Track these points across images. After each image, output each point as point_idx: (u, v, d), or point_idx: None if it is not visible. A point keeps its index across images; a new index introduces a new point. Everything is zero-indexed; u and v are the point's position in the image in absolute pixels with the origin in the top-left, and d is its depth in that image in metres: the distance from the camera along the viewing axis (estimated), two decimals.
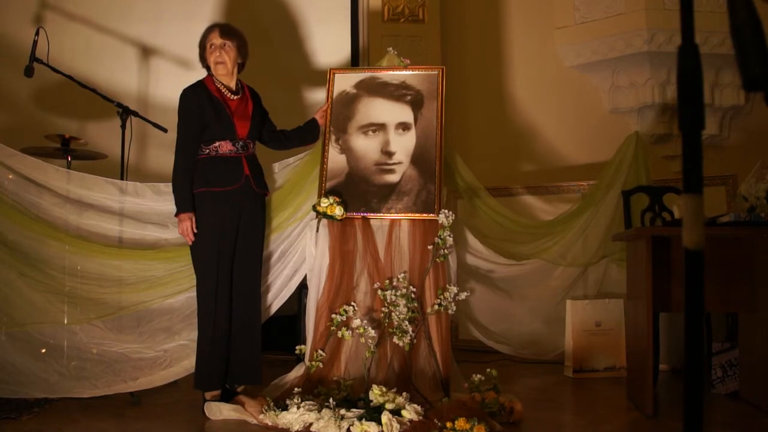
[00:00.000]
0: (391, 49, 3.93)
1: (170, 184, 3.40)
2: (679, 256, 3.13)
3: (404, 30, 5.37)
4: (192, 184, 3.30)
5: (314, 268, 3.52)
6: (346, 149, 3.70)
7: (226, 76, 3.43)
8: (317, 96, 4.97)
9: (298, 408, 2.96)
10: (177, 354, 3.52)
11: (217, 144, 3.34)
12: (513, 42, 4.14)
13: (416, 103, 3.72)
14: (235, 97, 3.43)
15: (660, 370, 3.92)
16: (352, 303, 3.40)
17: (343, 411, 2.89)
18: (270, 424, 2.99)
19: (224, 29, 3.45)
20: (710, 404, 3.48)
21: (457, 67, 4.19)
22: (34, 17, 4.82)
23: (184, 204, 3.28)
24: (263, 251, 3.54)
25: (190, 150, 3.32)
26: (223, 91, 3.41)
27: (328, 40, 5.26)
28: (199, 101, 3.34)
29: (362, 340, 3.31)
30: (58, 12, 4.89)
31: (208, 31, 3.46)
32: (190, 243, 3.29)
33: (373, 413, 2.85)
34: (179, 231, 3.31)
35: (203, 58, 3.47)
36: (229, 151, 3.36)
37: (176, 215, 3.30)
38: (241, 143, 3.38)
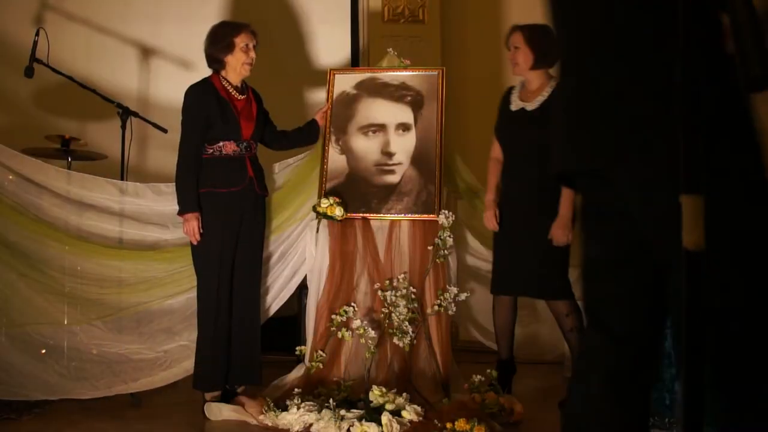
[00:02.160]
0: (391, 49, 3.93)
1: (171, 184, 3.39)
2: None
3: (404, 30, 5.36)
4: (197, 183, 3.29)
5: (314, 269, 3.52)
6: (346, 150, 3.70)
7: (241, 77, 3.42)
8: (317, 96, 4.97)
9: (298, 409, 2.96)
10: (177, 355, 3.52)
11: (221, 144, 3.33)
12: None
13: (416, 104, 3.72)
14: (242, 98, 3.43)
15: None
16: (352, 304, 3.40)
17: (343, 412, 2.89)
18: (270, 424, 2.99)
19: (254, 31, 3.43)
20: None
21: (457, 67, 4.19)
22: (34, 18, 4.82)
23: (189, 203, 3.26)
24: (263, 252, 3.54)
25: (195, 149, 3.30)
26: (230, 90, 3.39)
27: (328, 40, 5.26)
28: (205, 99, 3.32)
29: (362, 340, 3.30)
30: (58, 12, 4.89)
31: (240, 29, 3.38)
32: (196, 243, 3.27)
33: (373, 414, 2.85)
34: (185, 231, 3.28)
35: (222, 54, 3.37)
36: (233, 151, 3.35)
37: (181, 214, 3.27)
38: (245, 144, 3.38)
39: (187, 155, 3.29)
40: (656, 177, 1.26)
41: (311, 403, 3.01)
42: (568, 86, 1.49)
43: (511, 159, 3.47)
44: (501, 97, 3.60)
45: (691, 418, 1.03)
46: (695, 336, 0.96)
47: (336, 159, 3.68)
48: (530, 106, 3.39)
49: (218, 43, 3.38)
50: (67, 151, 3.76)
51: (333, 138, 3.72)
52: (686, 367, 0.99)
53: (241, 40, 3.37)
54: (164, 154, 4.42)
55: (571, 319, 3.29)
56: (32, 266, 3.37)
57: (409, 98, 3.74)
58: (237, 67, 3.38)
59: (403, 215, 3.51)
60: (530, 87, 3.44)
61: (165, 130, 3.75)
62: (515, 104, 3.45)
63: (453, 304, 3.33)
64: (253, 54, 3.40)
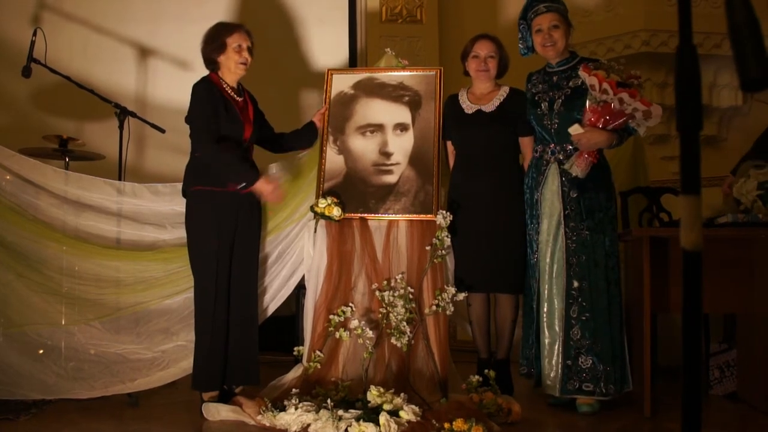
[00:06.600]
0: (388, 49, 3.93)
1: (168, 184, 3.39)
2: (678, 257, 3.14)
3: (402, 31, 5.37)
4: (242, 156, 3.28)
5: (312, 269, 3.52)
6: (344, 150, 3.70)
7: (237, 78, 3.42)
8: (315, 98, 4.97)
9: (296, 409, 2.96)
10: (175, 355, 3.52)
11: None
12: (511, 43, 4.15)
13: (414, 104, 3.72)
14: (240, 99, 3.43)
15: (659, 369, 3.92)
16: (350, 304, 3.40)
17: (340, 412, 2.89)
18: (268, 424, 2.99)
19: (249, 31, 3.44)
20: (708, 405, 3.49)
21: (455, 67, 4.19)
22: (31, 17, 4.82)
23: (250, 173, 3.26)
24: (260, 252, 3.53)
25: (216, 131, 3.25)
26: (229, 91, 3.40)
27: (326, 40, 5.26)
28: (214, 94, 3.32)
29: (360, 341, 3.30)
30: (55, 12, 4.88)
31: (232, 30, 3.40)
32: (281, 201, 3.36)
33: (371, 414, 2.85)
34: (268, 197, 3.32)
35: (215, 55, 3.39)
36: None
37: (249, 187, 3.24)
38: (244, 145, 3.38)
39: (214, 138, 3.23)
40: None
41: (309, 403, 3.01)
42: None
43: (470, 158, 3.62)
44: (445, 104, 3.73)
45: (690, 418, 1.04)
46: (695, 335, 0.96)
47: (334, 159, 3.68)
48: (488, 108, 3.62)
49: (211, 43, 3.40)
50: (64, 151, 3.76)
51: (331, 138, 3.72)
52: (685, 366, 0.99)
53: (233, 41, 3.37)
54: (162, 154, 4.43)
55: (516, 311, 3.57)
56: (30, 266, 3.37)
57: (406, 98, 3.74)
58: (231, 67, 3.38)
59: (400, 215, 3.51)
60: (478, 92, 3.71)
61: (163, 130, 3.75)
62: (469, 107, 3.67)
63: (450, 304, 3.33)
64: (246, 54, 3.40)
